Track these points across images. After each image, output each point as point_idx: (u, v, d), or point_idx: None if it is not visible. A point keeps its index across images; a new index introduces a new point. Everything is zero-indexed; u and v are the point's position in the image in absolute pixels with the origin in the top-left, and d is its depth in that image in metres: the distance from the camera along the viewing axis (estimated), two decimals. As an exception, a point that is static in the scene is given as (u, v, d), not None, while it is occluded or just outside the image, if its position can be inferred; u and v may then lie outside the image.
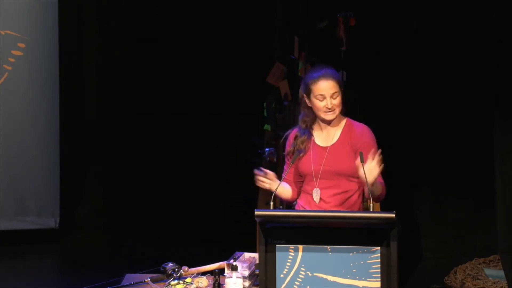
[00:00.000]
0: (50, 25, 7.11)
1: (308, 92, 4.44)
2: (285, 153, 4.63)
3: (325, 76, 4.41)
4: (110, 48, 7.43)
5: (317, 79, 4.41)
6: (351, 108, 4.64)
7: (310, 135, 4.53)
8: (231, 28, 7.27)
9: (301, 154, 4.48)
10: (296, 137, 4.55)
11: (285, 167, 4.63)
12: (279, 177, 4.50)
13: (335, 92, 4.41)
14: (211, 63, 7.32)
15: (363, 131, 4.48)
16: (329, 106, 4.40)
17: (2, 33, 7.01)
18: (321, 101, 4.41)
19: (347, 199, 4.48)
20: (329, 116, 4.43)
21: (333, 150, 4.48)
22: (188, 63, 7.38)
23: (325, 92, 4.40)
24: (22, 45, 7.06)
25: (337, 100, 4.42)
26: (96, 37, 7.46)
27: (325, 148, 4.49)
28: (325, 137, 4.52)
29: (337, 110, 4.44)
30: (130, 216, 7.41)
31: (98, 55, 7.47)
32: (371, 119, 5.26)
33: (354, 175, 4.44)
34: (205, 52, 7.34)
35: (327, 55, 6.18)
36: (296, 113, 5.93)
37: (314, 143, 4.52)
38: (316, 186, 4.48)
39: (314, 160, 4.48)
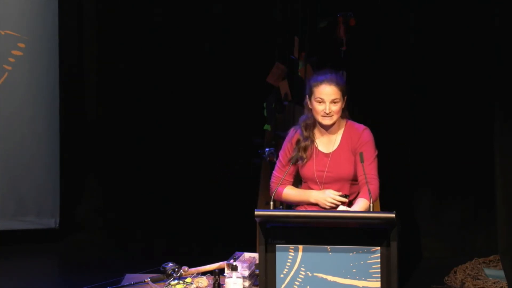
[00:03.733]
0: (50, 25, 7.10)
1: (310, 93, 4.46)
2: (283, 157, 4.59)
3: (329, 81, 4.41)
4: (110, 48, 7.43)
5: (320, 82, 4.42)
6: (351, 108, 4.64)
7: (312, 142, 4.53)
8: (231, 28, 7.26)
9: (303, 161, 4.50)
10: (298, 142, 4.54)
11: (278, 164, 4.60)
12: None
13: (336, 98, 4.41)
14: (211, 63, 7.32)
15: (362, 133, 4.49)
16: (327, 111, 4.41)
17: (2, 33, 7.00)
18: (320, 103, 4.42)
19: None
20: (326, 121, 4.44)
21: (335, 156, 4.50)
22: (188, 64, 7.37)
23: (325, 97, 4.41)
24: (22, 45, 7.05)
25: (337, 107, 4.42)
26: (96, 37, 7.45)
27: (327, 154, 4.51)
28: (326, 142, 4.53)
29: (335, 117, 4.44)
30: (130, 216, 7.40)
31: (98, 55, 7.46)
32: (371, 119, 5.27)
33: (356, 179, 4.47)
34: (205, 52, 7.33)
35: (327, 55, 6.18)
36: (296, 113, 5.94)
37: (317, 149, 4.53)
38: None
39: (317, 167, 4.50)
